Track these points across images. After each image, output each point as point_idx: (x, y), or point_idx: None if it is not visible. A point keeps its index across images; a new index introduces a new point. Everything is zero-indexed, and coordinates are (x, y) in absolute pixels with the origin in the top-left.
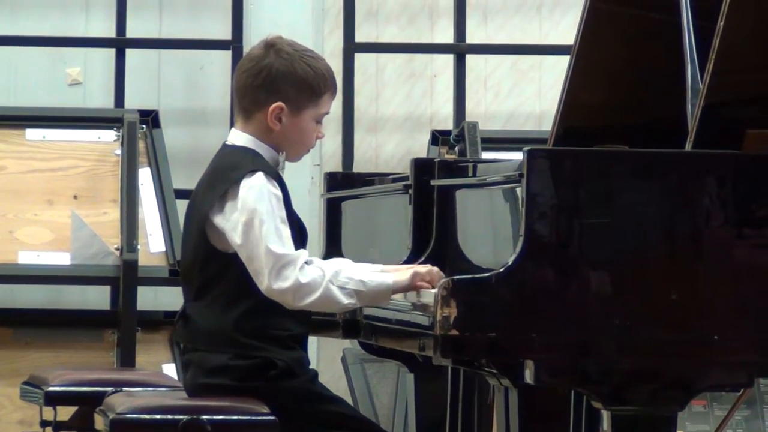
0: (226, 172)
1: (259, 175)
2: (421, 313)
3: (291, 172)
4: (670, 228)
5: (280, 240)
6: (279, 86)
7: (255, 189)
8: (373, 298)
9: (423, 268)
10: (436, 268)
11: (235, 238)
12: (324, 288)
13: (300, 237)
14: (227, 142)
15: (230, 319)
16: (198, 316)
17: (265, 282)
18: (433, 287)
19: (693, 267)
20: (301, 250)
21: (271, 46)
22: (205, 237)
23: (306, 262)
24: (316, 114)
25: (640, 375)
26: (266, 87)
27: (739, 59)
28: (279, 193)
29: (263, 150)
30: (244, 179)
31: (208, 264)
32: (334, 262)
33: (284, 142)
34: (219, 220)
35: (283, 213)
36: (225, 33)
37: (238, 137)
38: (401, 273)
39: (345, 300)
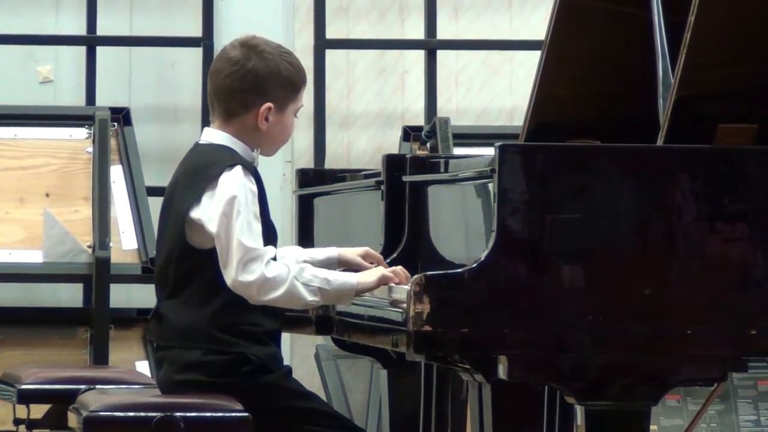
0: (203, 169)
1: (238, 169)
2: (393, 309)
3: (262, 168)
4: (643, 223)
5: (251, 234)
6: (268, 88)
7: (233, 182)
8: (337, 296)
9: (389, 270)
10: (401, 268)
11: (212, 227)
12: (289, 284)
13: (269, 235)
14: (201, 141)
15: (205, 315)
16: (172, 313)
17: (231, 274)
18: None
19: (665, 262)
20: (270, 247)
21: (251, 47)
22: (183, 234)
23: (273, 258)
24: (295, 108)
25: (613, 370)
26: (254, 89)
27: (711, 54)
28: (255, 188)
29: (239, 147)
30: (224, 173)
31: (184, 261)
32: (298, 255)
33: (267, 139)
34: (196, 213)
35: (257, 209)
36: (196, 30)
37: (215, 136)
38: (367, 273)
39: (309, 297)
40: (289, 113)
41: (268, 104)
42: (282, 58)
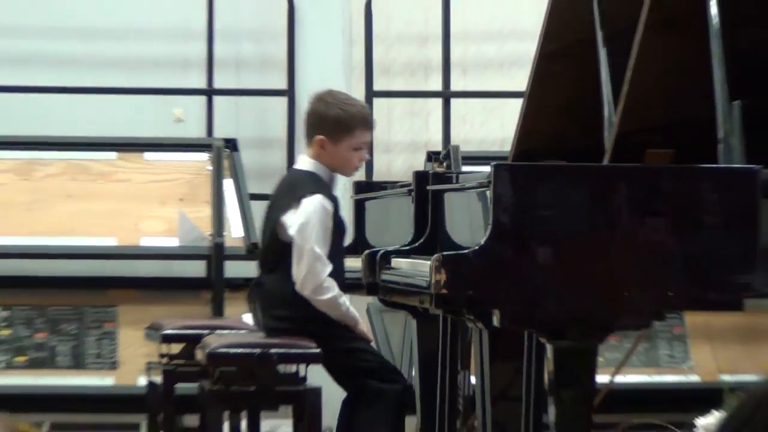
0: (293, 190)
1: (318, 197)
2: (420, 278)
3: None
4: (593, 220)
5: (321, 247)
6: (322, 125)
7: (311, 206)
8: (346, 320)
9: (364, 331)
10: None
11: (292, 232)
12: (333, 296)
13: (339, 229)
14: (296, 167)
15: (291, 285)
16: (270, 282)
17: (301, 272)
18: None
19: (609, 247)
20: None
21: (320, 97)
22: (275, 232)
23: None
24: (351, 144)
25: (573, 320)
26: (314, 125)
27: (640, 101)
28: (330, 208)
29: (321, 171)
30: (305, 198)
31: (276, 249)
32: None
33: (332, 164)
34: (284, 219)
35: (327, 234)
36: (282, 83)
37: (304, 162)
38: (359, 323)
39: (337, 312)
40: (343, 146)
41: (320, 137)
42: (337, 106)
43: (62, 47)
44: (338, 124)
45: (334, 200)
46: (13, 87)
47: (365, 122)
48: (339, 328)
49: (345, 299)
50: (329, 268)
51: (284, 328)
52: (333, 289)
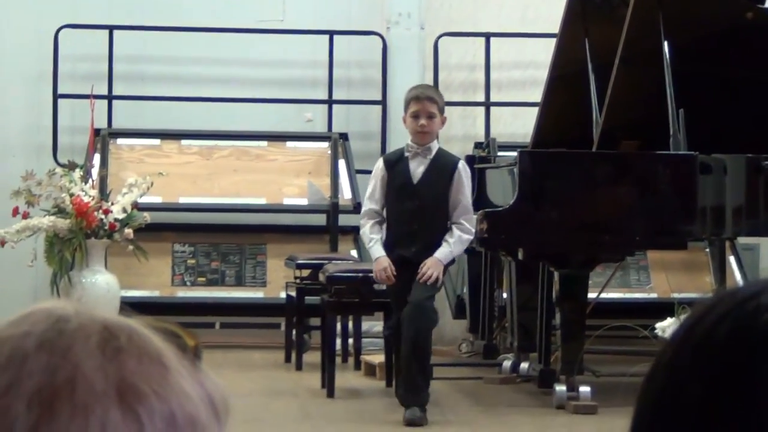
0: None
1: (379, 160)
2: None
3: None
4: (585, 187)
5: (367, 197)
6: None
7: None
8: (371, 253)
9: (383, 270)
10: (388, 271)
11: None
12: (362, 233)
13: (391, 182)
14: None
15: None
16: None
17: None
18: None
19: (595, 206)
20: (367, 208)
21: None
22: None
23: (369, 216)
24: (409, 113)
25: (571, 255)
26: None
27: (618, 108)
28: (378, 167)
29: (408, 141)
30: None
31: None
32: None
33: (410, 133)
34: None
35: (375, 186)
36: (379, 96)
37: None
38: (381, 262)
39: (366, 243)
40: (407, 117)
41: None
42: (410, 89)
43: (233, 72)
44: (404, 102)
45: (388, 161)
46: (200, 98)
47: (413, 96)
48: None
49: (370, 239)
50: (364, 209)
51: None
52: (362, 227)
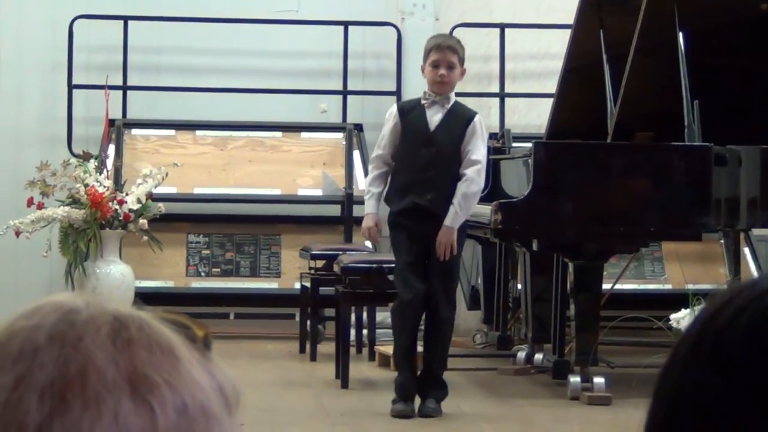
0: None
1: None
2: (485, 217)
3: None
4: (599, 178)
5: (379, 142)
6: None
7: None
8: (365, 207)
9: (369, 228)
10: (372, 229)
11: None
12: (367, 179)
13: (404, 130)
14: None
15: None
16: None
17: None
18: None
19: (610, 197)
20: (375, 155)
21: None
22: None
23: (375, 166)
24: (428, 62)
25: (585, 246)
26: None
27: (633, 100)
28: (392, 113)
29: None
30: None
31: None
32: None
33: (428, 83)
34: None
35: (387, 128)
36: (393, 87)
37: None
38: (368, 219)
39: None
40: (426, 65)
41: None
42: (431, 37)
43: (247, 62)
44: (424, 51)
45: (402, 108)
46: (215, 89)
47: (433, 45)
48: None
49: (368, 191)
50: (372, 156)
51: None
52: (369, 173)
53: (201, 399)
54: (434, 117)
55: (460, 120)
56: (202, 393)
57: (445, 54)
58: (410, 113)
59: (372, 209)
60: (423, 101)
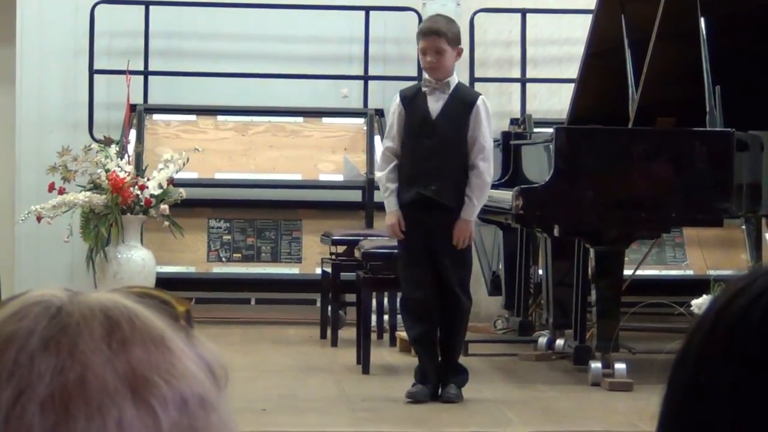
0: None
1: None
2: (506, 203)
3: None
4: (621, 164)
5: (386, 133)
6: None
7: None
8: (386, 205)
9: (393, 227)
10: (396, 227)
11: None
12: (378, 177)
13: (408, 119)
14: None
15: None
16: None
17: None
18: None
19: (632, 183)
20: (385, 147)
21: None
22: None
23: (387, 160)
24: (418, 49)
25: (607, 232)
26: None
27: (654, 85)
28: (395, 103)
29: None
30: None
31: None
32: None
33: None
34: None
35: (393, 119)
36: (414, 72)
37: None
38: (391, 215)
39: (382, 192)
40: (419, 52)
41: None
42: (426, 18)
43: (268, 47)
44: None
45: (404, 97)
46: (236, 74)
47: (418, 31)
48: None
49: (386, 188)
50: (383, 148)
51: None
52: (379, 171)
53: (198, 390)
54: (435, 104)
55: (462, 105)
56: (198, 382)
57: (429, 40)
58: (413, 101)
59: (393, 207)
60: (424, 88)
